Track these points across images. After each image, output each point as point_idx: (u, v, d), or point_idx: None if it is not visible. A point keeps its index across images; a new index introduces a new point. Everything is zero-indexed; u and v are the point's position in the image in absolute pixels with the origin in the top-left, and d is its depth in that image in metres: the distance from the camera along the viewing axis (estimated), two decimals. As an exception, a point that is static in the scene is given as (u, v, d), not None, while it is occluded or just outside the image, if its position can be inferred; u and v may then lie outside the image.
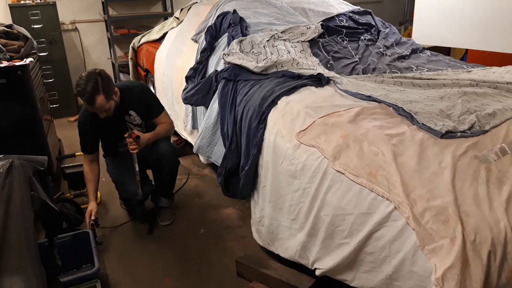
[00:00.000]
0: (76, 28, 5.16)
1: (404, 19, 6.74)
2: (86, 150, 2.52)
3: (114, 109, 2.37)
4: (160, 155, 2.53)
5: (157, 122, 2.59)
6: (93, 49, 5.31)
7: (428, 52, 3.01)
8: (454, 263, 1.31)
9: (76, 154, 3.11)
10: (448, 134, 1.70)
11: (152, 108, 2.57)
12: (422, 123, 1.77)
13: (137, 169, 2.45)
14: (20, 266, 1.02)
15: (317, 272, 1.78)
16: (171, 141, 2.78)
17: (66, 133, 4.17)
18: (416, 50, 3.01)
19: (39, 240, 1.65)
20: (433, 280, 1.33)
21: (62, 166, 2.95)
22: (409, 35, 4.33)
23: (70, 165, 2.94)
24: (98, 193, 2.96)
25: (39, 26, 4.47)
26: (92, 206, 2.45)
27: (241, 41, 2.76)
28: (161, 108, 2.61)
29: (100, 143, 2.59)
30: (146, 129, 2.60)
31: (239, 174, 2.25)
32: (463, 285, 1.30)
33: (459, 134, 1.71)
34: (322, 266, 1.75)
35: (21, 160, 1.14)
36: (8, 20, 4.10)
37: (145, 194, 2.57)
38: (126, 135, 2.37)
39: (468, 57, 4.16)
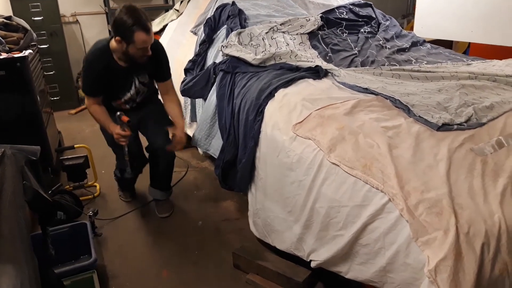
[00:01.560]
0: (77, 20, 5.15)
1: (407, 12, 6.69)
2: (90, 91, 2.36)
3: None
4: (156, 150, 2.50)
5: (163, 87, 2.51)
6: (94, 41, 5.26)
7: (428, 45, 2.99)
8: (447, 255, 1.30)
9: (75, 146, 3.11)
10: (445, 127, 1.69)
11: (163, 68, 2.46)
12: (419, 116, 1.76)
13: (126, 149, 2.37)
14: (12, 256, 1.03)
15: (312, 264, 1.79)
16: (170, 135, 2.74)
17: (66, 125, 4.19)
18: (417, 43, 2.99)
19: (35, 232, 1.66)
20: (426, 272, 1.33)
21: (61, 158, 2.96)
22: (412, 28, 4.29)
23: (69, 157, 2.95)
24: (97, 185, 2.99)
25: (40, 18, 4.47)
26: (113, 127, 2.30)
27: (239, 33, 2.75)
28: (170, 74, 2.51)
29: None
30: (148, 89, 2.51)
31: (237, 166, 2.25)
32: (456, 277, 1.30)
33: (455, 126, 1.70)
34: (317, 258, 1.75)
35: (13, 150, 1.14)
36: (9, 12, 4.10)
37: (136, 170, 2.53)
38: (117, 113, 2.27)
39: (471, 50, 4.13)
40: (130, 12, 2.13)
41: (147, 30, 2.15)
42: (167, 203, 2.71)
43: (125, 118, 2.27)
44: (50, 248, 1.40)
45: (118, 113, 2.29)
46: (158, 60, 2.41)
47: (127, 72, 2.36)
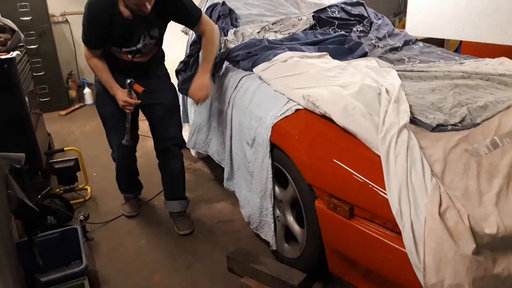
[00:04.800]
0: (67, 20, 5.09)
1: (399, 10, 6.69)
2: (89, 43, 2.16)
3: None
4: (167, 142, 2.37)
5: (196, 30, 2.29)
6: (84, 41, 5.23)
7: (420, 44, 2.97)
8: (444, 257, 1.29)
9: (65, 149, 3.06)
10: (439, 127, 1.68)
11: (181, 16, 2.16)
12: (413, 116, 1.74)
13: (129, 117, 2.23)
14: (-4, 266, 1.00)
15: None
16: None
17: (57, 127, 4.14)
18: (409, 42, 2.96)
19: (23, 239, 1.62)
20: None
21: (51, 161, 2.91)
22: (404, 26, 4.29)
23: (59, 160, 2.90)
24: (88, 188, 2.95)
25: (28, 18, 4.41)
26: (121, 94, 2.12)
27: (234, 33, 2.73)
28: (197, 15, 2.18)
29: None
30: (157, 42, 2.26)
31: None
32: (455, 279, 1.28)
33: (450, 127, 1.68)
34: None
35: (-4, 158, 1.11)
36: (-4, 13, 4.04)
37: (133, 140, 2.39)
38: (128, 81, 2.08)
39: (462, 48, 4.13)
40: None
41: None
42: (187, 219, 2.51)
43: (138, 88, 2.07)
44: (37, 257, 1.36)
45: (129, 80, 2.09)
46: (172, 10, 2.10)
47: (133, 25, 2.05)
